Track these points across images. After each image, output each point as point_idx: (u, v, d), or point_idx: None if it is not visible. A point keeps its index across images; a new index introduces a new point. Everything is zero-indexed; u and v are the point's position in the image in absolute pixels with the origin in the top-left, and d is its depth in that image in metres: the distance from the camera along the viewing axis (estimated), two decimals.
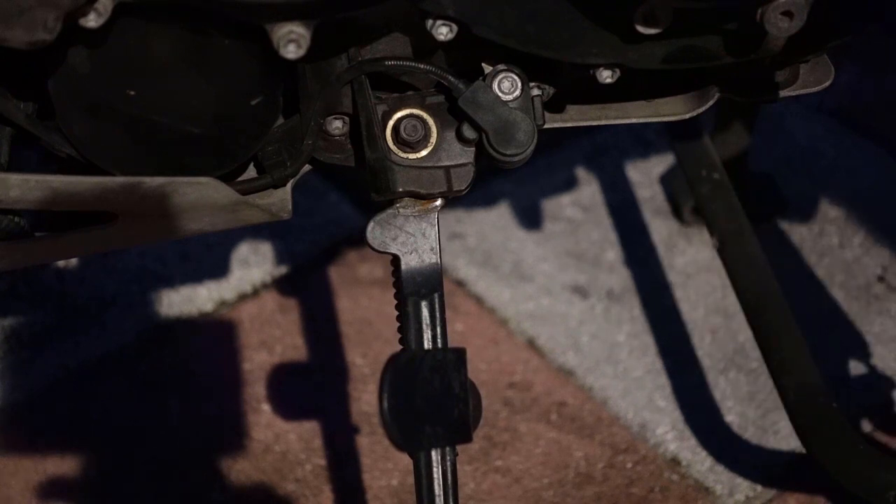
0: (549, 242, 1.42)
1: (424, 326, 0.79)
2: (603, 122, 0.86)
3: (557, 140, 1.52)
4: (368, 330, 1.29)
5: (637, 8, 0.72)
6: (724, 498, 1.15)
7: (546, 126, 0.81)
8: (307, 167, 0.82)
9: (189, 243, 1.37)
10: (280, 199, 0.82)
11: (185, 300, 1.32)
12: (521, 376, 1.26)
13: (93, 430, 1.19)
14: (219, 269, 1.36)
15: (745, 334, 1.24)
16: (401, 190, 0.78)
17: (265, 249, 1.38)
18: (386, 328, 1.25)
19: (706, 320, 1.32)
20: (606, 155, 1.53)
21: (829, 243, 1.41)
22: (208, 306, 1.32)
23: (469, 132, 0.78)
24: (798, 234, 1.42)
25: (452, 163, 0.79)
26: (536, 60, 0.77)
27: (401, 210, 0.79)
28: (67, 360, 1.25)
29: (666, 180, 1.49)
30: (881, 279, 1.37)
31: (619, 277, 1.37)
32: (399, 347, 0.79)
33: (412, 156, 0.79)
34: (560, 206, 1.46)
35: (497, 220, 1.44)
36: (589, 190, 1.49)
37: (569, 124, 0.85)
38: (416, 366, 0.76)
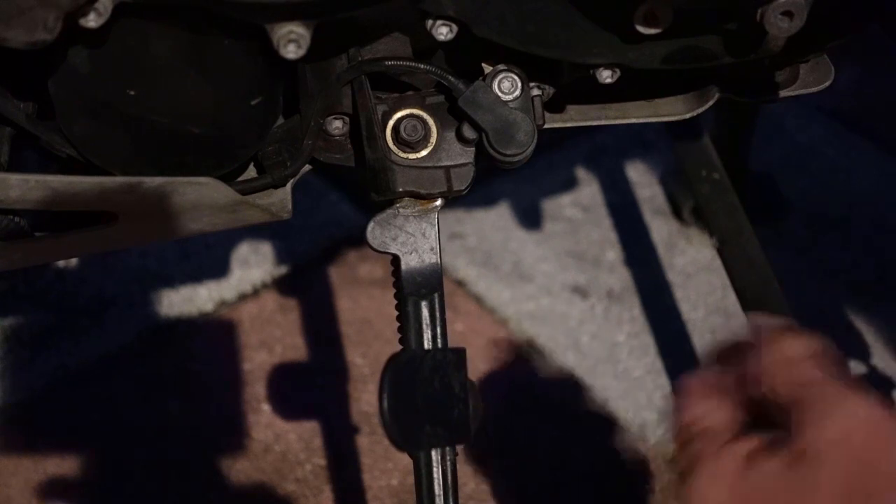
0: (549, 242, 1.42)
1: (424, 326, 0.79)
2: (603, 122, 0.86)
3: (557, 140, 1.52)
4: (368, 330, 1.29)
5: (637, 8, 0.72)
6: None
7: (546, 126, 0.80)
8: (307, 167, 0.82)
9: (189, 243, 1.37)
10: (280, 199, 0.82)
11: (185, 300, 1.32)
12: (522, 376, 1.26)
13: (93, 430, 1.19)
14: (219, 269, 1.36)
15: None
16: (401, 190, 0.78)
17: (265, 249, 1.38)
18: (386, 328, 1.25)
19: (706, 320, 1.32)
20: (606, 155, 1.53)
21: (829, 243, 1.41)
22: (208, 306, 1.32)
23: (469, 132, 0.78)
24: (798, 234, 1.42)
25: (452, 163, 0.79)
26: (536, 60, 0.77)
27: (401, 210, 0.79)
28: (67, 360, 1.25)
29: (666, 180, 1.49)
30: (881, 279, 1.37)
31: (619, 277, 1.37)
32: (399, 347, 0.79)
33: (412, 156, 0.79)
34: (560, 206, 1.46)
35: (497, 220, 1.44)
36: (589, 190, 1.49)
37: (569, 124, 0.85)
38: (416, 366, 0.76)
